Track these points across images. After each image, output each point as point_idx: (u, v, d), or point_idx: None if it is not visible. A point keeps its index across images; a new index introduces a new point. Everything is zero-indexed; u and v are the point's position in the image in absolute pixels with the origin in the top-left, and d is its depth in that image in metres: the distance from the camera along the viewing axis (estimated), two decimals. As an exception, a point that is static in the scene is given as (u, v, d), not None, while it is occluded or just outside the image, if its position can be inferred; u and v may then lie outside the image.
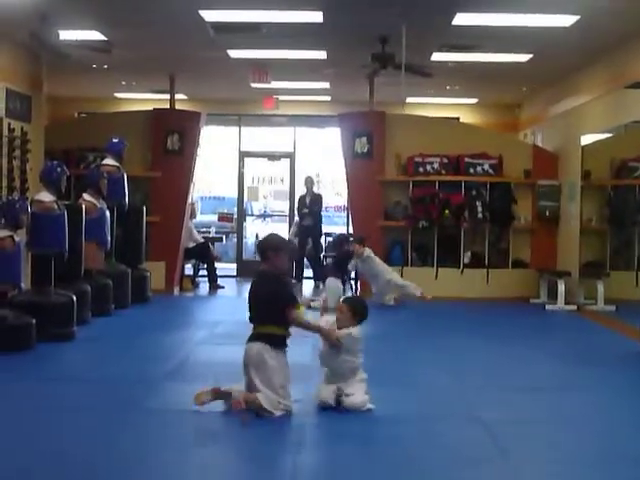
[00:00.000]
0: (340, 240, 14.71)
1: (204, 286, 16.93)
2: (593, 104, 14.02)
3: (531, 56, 13.87)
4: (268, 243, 6.97)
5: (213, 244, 18.02)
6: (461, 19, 11.44)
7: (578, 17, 11.18)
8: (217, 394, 6.64)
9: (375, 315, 13.36)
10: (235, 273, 18.83)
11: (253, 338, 6.72)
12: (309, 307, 12.79)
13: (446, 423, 6.74)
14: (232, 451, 6.03)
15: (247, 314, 6.89)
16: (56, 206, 10.54)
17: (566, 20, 11.40)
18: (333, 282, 13.48)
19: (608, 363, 9.53)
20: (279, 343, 6.71)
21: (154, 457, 5.73)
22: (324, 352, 6.96)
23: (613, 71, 12.99)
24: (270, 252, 6.85)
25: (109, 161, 13.35)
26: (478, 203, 15.44)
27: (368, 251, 14.14)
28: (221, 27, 12.09)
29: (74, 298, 10.30)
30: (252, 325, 6.83)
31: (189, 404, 6.63)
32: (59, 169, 10.94)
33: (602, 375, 8.83)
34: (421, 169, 15.61)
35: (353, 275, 15.91)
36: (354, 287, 16.19)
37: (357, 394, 6.83)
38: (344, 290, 13.89)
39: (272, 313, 6.71)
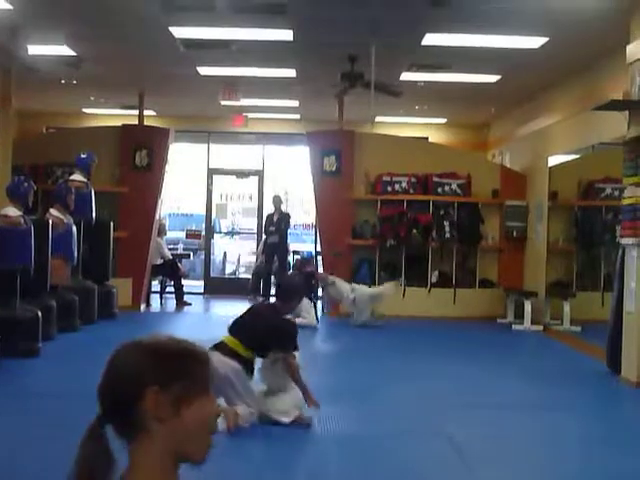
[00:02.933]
0: (302, 262, 14.90)
1: (171, 303, 16.85)
2: (561, 125, 14.12)
3: (500, 77, 13.97)
4: (296, 290, 7.04)
5: (181, 261, 17.96)
6: (430, 39, 11.50)
7: (547, 39, 11.28)
8: None
9: (343, 333, 13.44)
10: (202, 290, 18.76)
11: (220, 348, 6.60)
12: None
13: (412, 439, 6.74)
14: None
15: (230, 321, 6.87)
16: (23, 221, 10.48)
17: (535, 42, 11.49)
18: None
19: (573, 382, 9.57)
20: (249, 368, 6.69)
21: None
22: (264, 368, 6.95)
23: (581, 92, 13.10)
24: (295, 300, 6.94)
25: (77, 176, 13.31)
26: (446, 222, 15.50)
27: (332, 277, 14.29)
28: (191, 44, 12.08)
29: (39, 313, 10.22)
30: (227, 334, 6.74)
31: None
32: (26, 184, 10.89)
33: (567, 394, 8.87)
34: (389, 188, 15.64)
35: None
36: (323, 307, 16.18)
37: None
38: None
39: (261, 342, 6.67)
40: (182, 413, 1.94)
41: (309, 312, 13.93)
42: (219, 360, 6.32)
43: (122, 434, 1.98)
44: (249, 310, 6.99)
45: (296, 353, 6.74)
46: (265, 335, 6.65)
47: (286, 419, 6.78)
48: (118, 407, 1.98)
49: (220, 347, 6.60)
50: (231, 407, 6.47)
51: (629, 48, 9.53)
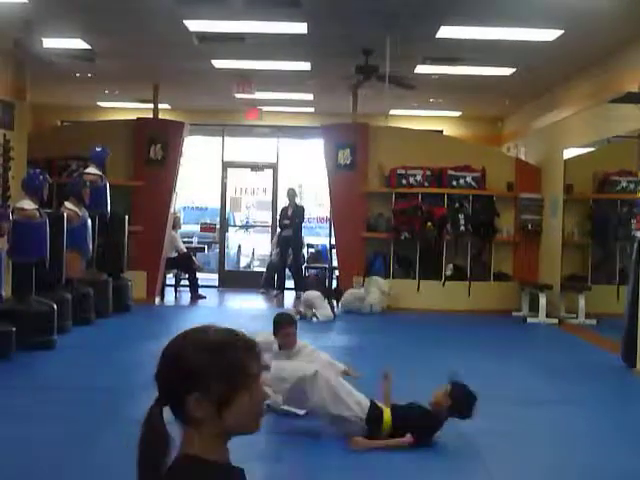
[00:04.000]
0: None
1: (186, 296, 16.87)
2: (576, 118, 14.07)
3: (514, 70, 13.92)
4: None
5: (195, 254, 17.98)
6: (445, 32, 11.47)
7: (562, 31, 11.23)
8: None
9: (356, 325, 13.43)
10: (217, 283, 18.77)
11: None
12: (298, 314, 12.92)
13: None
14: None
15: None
16: (38, 214, 10.50)
17: (550, 34, 11.44)
18: (314, 294, 13.84)
19: (588, 376, 9.55)
20: None
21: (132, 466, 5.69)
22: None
23: (596, 85, 13.05)
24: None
25: (92, 170, 13.33)
26: (461, 216, 15.47)
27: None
28: (205, 37, 12.08)
29: (55, 307, 10.26)
30: None
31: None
32: (41, 177, 10.91)
33: (582, 388, 8.85)
34: (404, 181, 15.61)
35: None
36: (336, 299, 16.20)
37: None
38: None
39: None
40: (224, 415, 2.08)
41: (323, 306, 13.95)
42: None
43: (176, 417, 2.15)
44: None
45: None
46: None
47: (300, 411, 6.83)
48: (169, 396, 2.15)
49: None
50: None
51: (645, 40, 9.50)
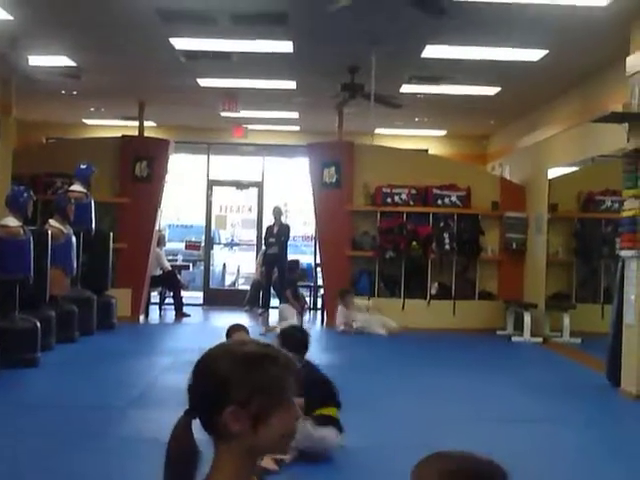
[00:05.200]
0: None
1: (170, 314, 16.84)
2: (560, 137, 14.13)
3: (499, 89, 13.99)
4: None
5: (180, 272, 17.95)
6: (431, 51, 11.52)
7: (546, 51, 11.30)
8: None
9: (343, 344, 13.41)
10: (202, 301, 18.74)
11: None
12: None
13: (410, 452, 6.68)
14: None
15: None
16: (22, 231, 10.47)
17: (534, 54, 11.51)
18: (284, 308, 13.89)
19: (573, 395, 9.55)
20: None
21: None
22: None
23: (580, 105, 13.11)
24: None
25: (77, 187, 13.32)
26: (446, 234, 15.51)
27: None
28: (191, 55, 12.10)
29: (38, 324, 10.21)
30: None
31: (153, 432, 6.56)
32: (25, 194, 10.88)
33: (567, 407, 8.85)
34: (389, 200, 15.64)
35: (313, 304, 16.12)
36: (322, 316, 16.22)
37: None
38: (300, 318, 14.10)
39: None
40: (259, 430, 2.04)
41: (290, 316, 14.05)
42: None
43: (207, 431, 2.09)
44: None
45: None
46: None
47: None
48: (203, 409, 2.09)
49: None
50: None
51: (629, 60, 9.54)
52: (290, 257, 17.60)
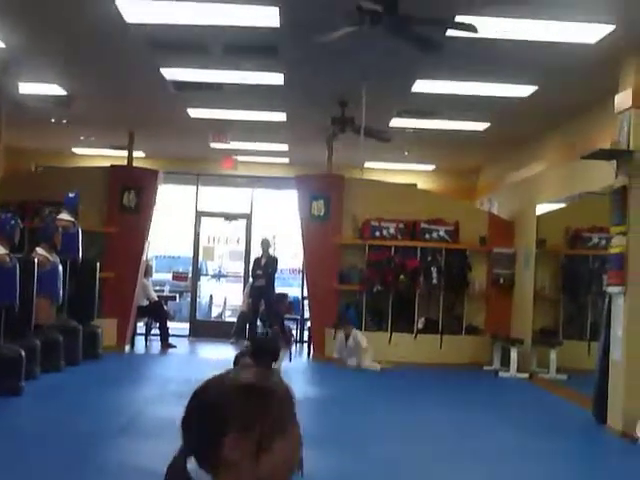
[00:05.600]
0: (277, 299, 14.94)
1: (156, 344, 16.76)
2: (549, 173, 14.19)
3: (488, 125, 14.06)
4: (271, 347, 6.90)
5: (167, 303, 17.89)
6: (421, 86, 11.59)
7: (536, 87, 11.37)
8: None
9: (328, 379, 13.36)
10: (188, 333, 18.67)
11: None
12: None
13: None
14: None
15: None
16: (8, 259, 10.41)
17: (524, 90, 11.58)
18: None
19: (559, 432, 9.52)
20: None
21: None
22: None
23: (569, 141, 13.18)
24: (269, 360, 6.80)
25: (64, 215, 13.29)
26: (433, 269, 15.50)
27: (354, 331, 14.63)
28: (182, 86, 12.13)
29: (22, 352, 10.14)
30: None
31: (139, 462, 6.51)
32: (13, 221, 10.84)
33: (553, 444, 8.81)
34: (377, 233, 15.64)
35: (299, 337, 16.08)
36: (308, 349, 16.18)
37: None
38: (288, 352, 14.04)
39: None
40: (261, 459, 1.97)
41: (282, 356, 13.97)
42: None
43: (204, 467, 1.99)
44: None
45: None
46: None
47: None
48: (201, 441, 2.00)
49: None
50: None
51: (617, 98, 9.60)
52: (278, 290, 17.58)
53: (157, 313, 16.80)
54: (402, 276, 15.34)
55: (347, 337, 14.56)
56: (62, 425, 8.47)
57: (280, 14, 8.77)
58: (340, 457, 7.53)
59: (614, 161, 9.66)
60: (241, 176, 19.38)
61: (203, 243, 19.70)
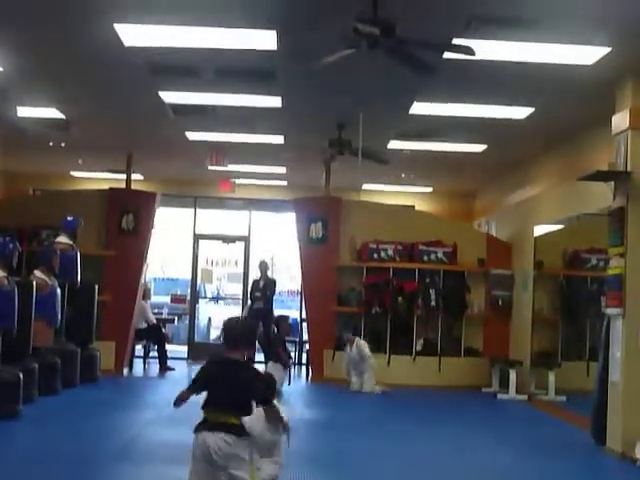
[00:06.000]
0: (278, 321, 14.90)
1: (154, 367, 16.73)
2: (546, 195, 14.21)
3: (486, 146, 14.08)
4: (243, 333, 6.77)
5: (165, 325, 17.86)
6: (418, 108, 11.61)
7: (532, 109, 11.40)
8: None
9: (326, 401, 13.33)
10: (186, 355, 18.63)
11: (212, 427, 6.35)
12: None
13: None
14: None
15: (200, 398, 6.65)
16: (7, 282, 10.40)
17: (521, 112, 11.61)
18: (272, 366, 13.77)
19: (558, 453, 9.49)
20: (243, 433, 6.47)
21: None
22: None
23: (566, 163, 13.20)
24: (243, 343, 6.69)
25: (62, 239, 13.29)
26: (432, 291, 15.50)
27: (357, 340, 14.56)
28: (180, 109, 12.15)
29: (21, 376, 10.11)
30: (207, 410, 6.52)
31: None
32: (11, 245, 10.83)
33: (552, 465, 8.79)
34: (375, 255, 15.65)
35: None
36: (307, 371, 16.15)
37: (263, 469, 6.73)
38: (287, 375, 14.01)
39: (241, 403, 6.45)
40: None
41: (279, 376, 13.94)
42: (217, 439, 6.22)
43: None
44: (212, 378, 6.66)
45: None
46: (241, 398, 6.46)
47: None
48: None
49: (217, 427, 6.32)
50: None
51: (614, 119, 9.63)
52: (277, 312, 17.55)
53: (155, 336, 16.78)
54: (400, 298, 15.34)
55: (350, 346, 14.52)
56: (59, 449, 8.44)
57: (277, 37, 8.80)
58: (334, 476, 7.51)
59: (612, 182, 9.67)
60: (239, 199, 19.40)
61: (201, 265, 19.69)
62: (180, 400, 6.07)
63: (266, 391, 6.44)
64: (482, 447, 9.77)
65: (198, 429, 6.10)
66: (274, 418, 6.57)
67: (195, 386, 6.27)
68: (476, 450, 9.60)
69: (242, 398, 6.21)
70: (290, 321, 18.30)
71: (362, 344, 14.46)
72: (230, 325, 6.55)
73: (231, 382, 6.24)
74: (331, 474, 7.73)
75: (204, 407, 6.28)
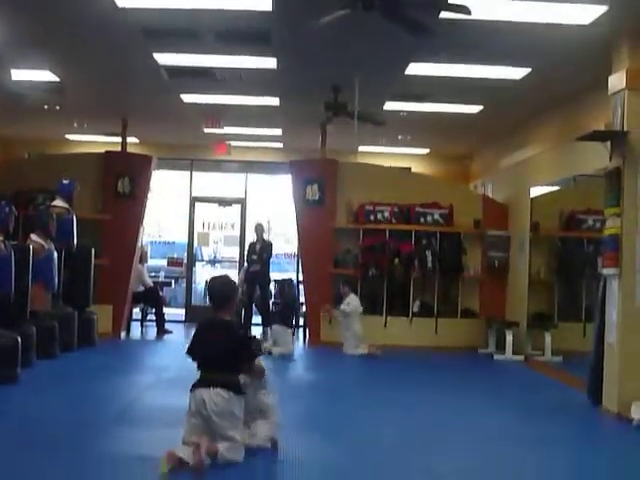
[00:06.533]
0: (284, 285, 14.91)
1: (152, 330, 16.77)
2: (543, 156, 14.18)
3: (482, 107, 14.04)
4: (226, 294, 6.86)
5: (162, 289, 17.88)
6: (414, 69, 11.56)
7: (529, 70, 11.36)
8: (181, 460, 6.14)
9: (324, 363, 13.37)
10: (183, 318, 18.68)
11: (209, 384, 6.52)
12: (269, 354, 13.16)
13: (392, 471, 6.68)
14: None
15: (194, 358, 6.74)
16: (3, 246, 10.39)
17: (517, 73, 11.57)
18: (279, 328, 13.80)
19: (554, 413, 9.54)
20: (239, 389, 6.58)
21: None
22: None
23: (563, 124, 13.16)
24: (227, 301, 6.78)
25: (59, 202, 13.27)
26: (428, 252, 15.50)
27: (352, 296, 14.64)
28: (175, 72, 12.10)
29: (19, 340, 10.14)
30: (203, 370, 6.64)
31: (135, 450, 6.51)
32: (7, 209, 10.83)
33: (548, 425, 8.83)
34: (372, 217, 15.64)
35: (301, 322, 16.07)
36: (304, 334, 16.20)
37: (259, 433, 6.80)
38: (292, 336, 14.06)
39: (233, 361, 6.57)
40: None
41: (285, 339, 14.00)
42: (223, 397, 6.35)
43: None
44: (201, 337, 6.79)
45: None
46: (231, 355, 6.57)
47: (268, 444, 6.81)
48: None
49: (213, 383, 6.48)
50: (210, 443, 6.30)
51: (611, 79, 9.59)
52: (275, 275, 17.55)
53: (152, 299, 16.81)
54: (397, 260, 15.35)
55: (344, 298, 14.58)
56: (58, 413, 8.47)
57: (272, -3, 8.76)
58: (333, 440, 7.54)
59: (608, 143, 9.66)
60: (235, 161, 19.36)
61: (198, 229, 19.69)
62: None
63: (253, 349, 6.61)
64: (478, 407, 9.81)
65: (195, 386, 6.33)
66: (258, 374, 6.70)
67: (193, 349, 6.49)
68: (472, 410, 9.64)
69: (234, 356, 6.39)
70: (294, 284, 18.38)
71: (352, 298, 14.49)
72: (214, 286, 6.88)
73: (223, 342, 6.45)
74: (327, 438, 7.77)
75: (199, 367, 6.46)
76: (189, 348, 6.74)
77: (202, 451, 6.04)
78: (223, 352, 6.53)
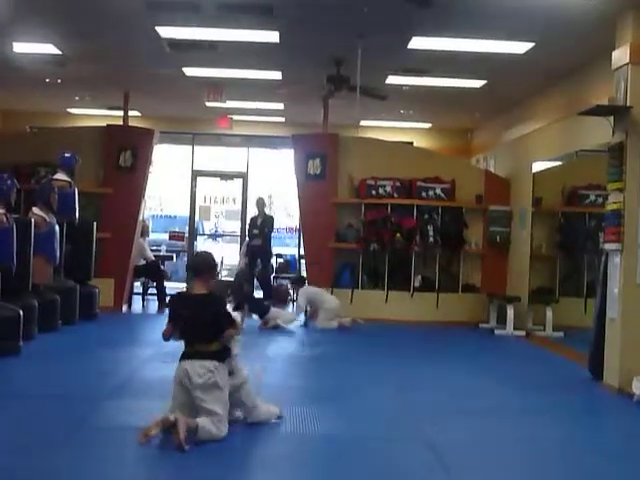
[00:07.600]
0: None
1: (153, 304, 16.79)
2: (545, 131, 14.15)
3: (485, 82, 14.00)
4: (203, 263, 6.98)
5: (163, 263, 17.90)
6: (417, 43, 11.52)
7: (532, 44, 11.31)
8: (166, 425, 6.18)
9: (323, 337, 13.40)
10: (185, 292, 18.66)
11: (191, 356, 6.55)
12: (276, 327, 13.54)
13: (392, 443, 6.70)
14: (173, 470, 5.91)
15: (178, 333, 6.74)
16: (5, 219, 10.39)
17: (520, 47, 11.52)
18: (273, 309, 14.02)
19: (555, 388, 9.56)
20: (222, 355, 6.60)
21: (93, 475, 5.64)
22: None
23: (565, 99, 13.12)
24: (207, 272, 6.88)
25: (60, 176, 13.25)
26: (430, 227, 15.49)
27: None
28: (177, 44, 12.05)
29: (20, 312, 10.16)
30: (186, 343, 6.67)
31: (134, 422, 6.53)
32: (9, 182, 10.82)
33: (549, 400, 8.85)
34: (374, 192, 15.62)
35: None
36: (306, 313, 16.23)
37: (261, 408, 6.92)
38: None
39: (213, 330, 6.61)
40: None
41: (284, 313, 14.15)
42: (195, 367, 6.40)
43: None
44: (184, 315, 6.81)
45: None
46: (214, 326, 6.62)
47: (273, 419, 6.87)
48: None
49: (198, 355, 6.52)
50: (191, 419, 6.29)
51: (614, 54, 9.56)
52: (276, 250, 17.62)
53: (154, 273, 16.81)
54: (398, 235, 15.33)
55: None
56: (59, 385, 8.50)
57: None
58: (335, 412, 7.57)
59: (611, 117, 9.64)
60: (237, 135, 19.34)
61: (199, 203, 19.72)
62: (167, 335, 6.81)
63: (230, 317, 6.73)
64: (479, 382, 9.83)
65: (181, 358, 6.48)
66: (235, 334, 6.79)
67: (173, 322, 6.65)
68: (474, 383, 9.66)
69: (214, 327, 6.53)
70: (288, 258, 18.40)
71: (301, 294, 14.71)
72: (195, 258, 7.74)
73: (202, 315, 6.56)
74: (330, 404, 7.80)
75: (182, 338, 6.60)
76: (169, 319, 6.86)
77: (181, 432, 6.03)
78: (201, 325, 6.61)
